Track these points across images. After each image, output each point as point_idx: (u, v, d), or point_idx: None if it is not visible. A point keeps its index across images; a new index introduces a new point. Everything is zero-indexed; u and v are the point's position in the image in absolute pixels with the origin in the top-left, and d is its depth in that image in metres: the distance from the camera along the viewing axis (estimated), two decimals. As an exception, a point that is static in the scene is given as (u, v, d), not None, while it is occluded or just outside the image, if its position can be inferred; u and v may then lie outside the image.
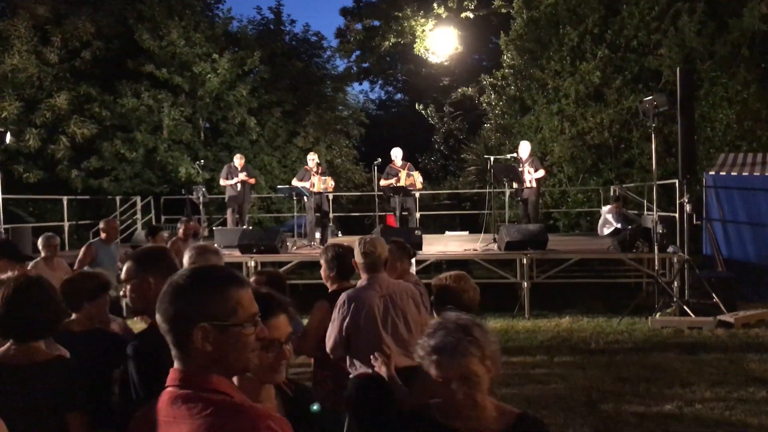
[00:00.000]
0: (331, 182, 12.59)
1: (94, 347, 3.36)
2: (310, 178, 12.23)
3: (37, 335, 2.56)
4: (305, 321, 4.28)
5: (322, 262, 4.16)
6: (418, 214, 13.17)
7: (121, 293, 2.65)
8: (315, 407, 3.32)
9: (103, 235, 8.09)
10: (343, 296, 3.78)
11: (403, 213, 12.38)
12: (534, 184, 11.94)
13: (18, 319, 2.52)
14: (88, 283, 3.71)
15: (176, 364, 1.59)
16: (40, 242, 7.29)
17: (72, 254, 9.40)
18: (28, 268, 7.09)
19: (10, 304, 2.54)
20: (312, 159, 12.51)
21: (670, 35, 15.99)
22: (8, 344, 2.55)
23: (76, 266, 7.71)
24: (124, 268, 2.65)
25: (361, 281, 3.89)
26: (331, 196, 12.75)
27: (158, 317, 1.59)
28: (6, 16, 17.72)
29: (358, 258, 3.88)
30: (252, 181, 13.35)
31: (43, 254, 7.25)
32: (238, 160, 12.98)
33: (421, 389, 3.13)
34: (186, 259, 3.46)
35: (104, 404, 3.15)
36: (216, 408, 1.47)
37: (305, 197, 12.30)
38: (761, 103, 15.68)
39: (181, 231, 8.82)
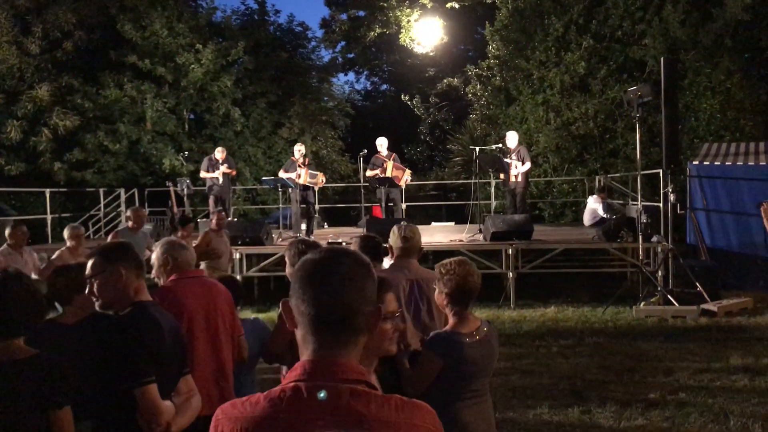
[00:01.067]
0: (321, 178, 12.53)
1: (90, 335, 3.36)
2: (296, 170, 12.15)
3: (16, 332, 2.47)
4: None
5: (286, 258, 3.80)
6: (404, 205, 13.15)
7: (87, 290, 2.68)
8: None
9: (130, 224, 8.14)
10: None
11: (389, 204, 12.35)
12: (520, 177, 11.98)
13: None
14: (80, 275, 3.68)
15: (324, 355, 1.40)
16: (66, 233, 7.41)
17: (54, 247, 9.30)
18: (54, 257, 7.33)
19: None
20: (299, 150, 12.43)
21: (655, 25, 16.06)
22: None
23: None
24: (90, 264, 2.68)
25: (391, 264, 3.96)
26: (317, 188, 12.69)
27: (322, 302, 1.39)
28: (-15, 7, 17.48)
29: (395, 242, 3.93)
30: (233, 172, 13.27)
31: (68, 244, 7.38)
32: (220, 153, 12.89)
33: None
34: (156, 254, 3.47)
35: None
36: (399, 404, 1.42)
37: (290, 188, 12.23)
38: (744, 93, 15.77)
39: (213, 222, 8.79)
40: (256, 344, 3.81)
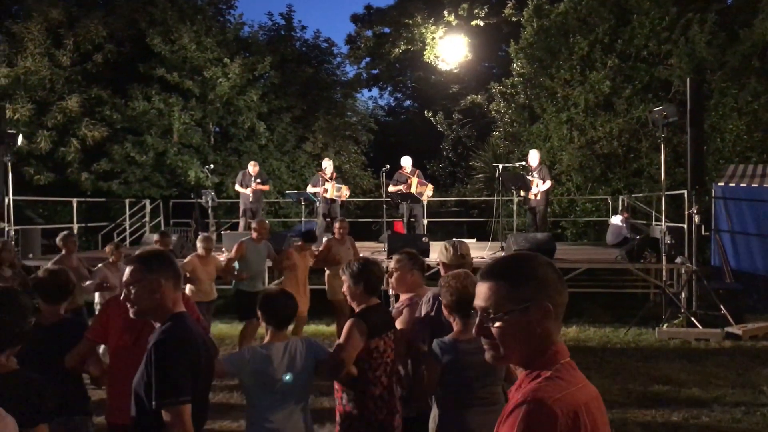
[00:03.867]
0: (346, 191, 12.66)
1: (67, 337, 3.63)
2: (323, 184, 12.33)
3: (2, 347, 2.46)
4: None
5: (346, 277, 3.71)
6: (425, 221, 13.18)
7: (122, 296, 2.60)
8: (288, 377, 3.43)
9: (254, 234, 8.31)
10: (429, 293, 3.86)
11: (411, 219, 12.40)
12: (541, 196, 11.97)
13: None
14: (71, 280, 3.88)
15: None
16: (198, 242, 8.01)
17: (80, 256, 9.43)
18: (185, 261, 7.83)
19: None
20: (327, 165, 12.64)
21: (681, 45, 15.99)
22: None
23: (225, 263, 8.20)
24: (128, 270, 2.60)
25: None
26: (340, 200, 12.82)
27: (509, 292, 1.62)
28: (20, 19, 17.87)
29: (450, 258, 4.05)
30: (266, 188, 13.53)
31: (200, 252, 7.93)
32: (252, 167, 13.26)
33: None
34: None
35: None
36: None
37: (316, 203, 12.39)
38: (771, 114, 15.62)
39: (336, 229, 8.89)
40: (310, 364, 3.52)
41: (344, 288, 3.70)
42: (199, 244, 7.96)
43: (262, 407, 3.34)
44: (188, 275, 7.67)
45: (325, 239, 9.29)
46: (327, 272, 8.83)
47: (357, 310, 3.64)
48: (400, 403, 3.76)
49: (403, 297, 4.09)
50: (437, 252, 4.37)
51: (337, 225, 8.94)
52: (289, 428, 3.35)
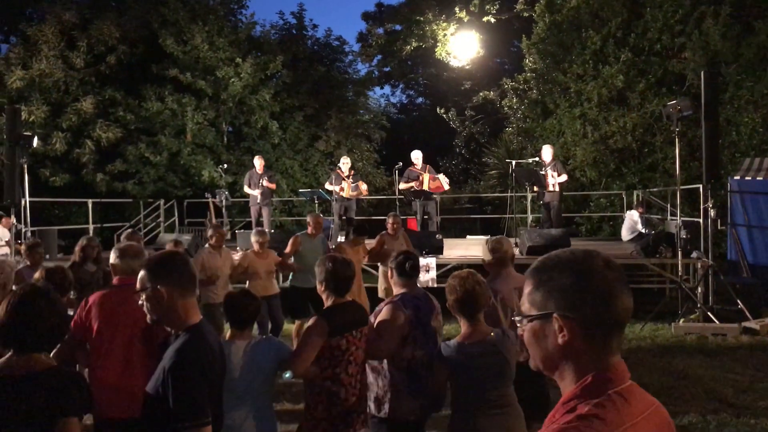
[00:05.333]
0: (363, 187, 12.63)
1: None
2: (340, 183, 12.32)
3: (38, 347, 2.46)
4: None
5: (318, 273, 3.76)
6: (438, 218, 13.15)
7: (140, 302, 2.56)
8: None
9: (309, 229, 8.38)
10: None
11: (424, 217, 12.37)
12: (557, 189, 11.90)
13: (20, 329, 2.44)
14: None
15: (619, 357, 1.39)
16: (253, 237, 7.99)
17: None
18: (241, 257, 7.93)
19: (13, 313, 2.46)
20: (344, 163, 12.61)
21: (695, 38, 15.85)
22: (9, 354, 2.46)
23: (281, 257, 8.25)
24: (139, 277, 2.56)
25: (492, 275, 4.25)
26: (360, 196, 12.81)
27: (629, 308, 1.38)
28: (34, 22, 18.02)
29: (486, 255, 4.34)
30: (272, 186, 13.42)
31: (255, 247, 7.90)
32: (258, 161, 13.10)
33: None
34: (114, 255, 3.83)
35: None
36: None
37: (333, 201, 12.38)
38: (788, 106, 15.46)
39: (390, 224, 8.88)
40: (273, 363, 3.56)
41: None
42: (253, 239, 7.94)
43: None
44: (205, 277, 7.56)
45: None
46: (380, 268, 8.78)
47: (324, 307, 3.70)
48: (374, 405, 3.77)
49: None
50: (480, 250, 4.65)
51: (390, 220, 8.91)
52: (246, 428, 3.34)
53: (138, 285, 2.55)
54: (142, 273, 2.54)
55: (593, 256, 1.42)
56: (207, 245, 7.88)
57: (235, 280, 7.94)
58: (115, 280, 3.81)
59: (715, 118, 10.10)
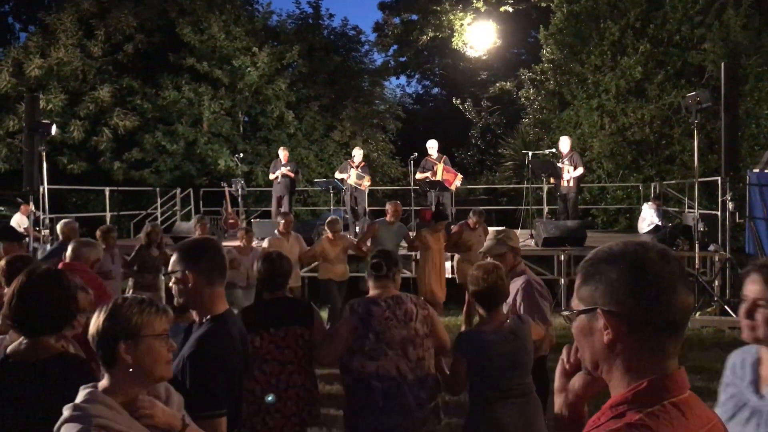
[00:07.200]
0: (367, 182, 12.64)
1: None
2: (347, 171, 12.37)
3: (46, 331, 2.41)
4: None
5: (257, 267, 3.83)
6: (453, 209, 13.12)
7: (170, 284, 2.55)
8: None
9: (388, 216, 8.54)
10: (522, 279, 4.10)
11: (440, 208, 12.35)
12: (571, 184, 11.84)
13: (27, 312, 2.40)
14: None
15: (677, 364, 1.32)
16: (326, 225, 8.28)
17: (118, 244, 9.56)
18: (316, 244, 8.34)
19: (20, 296, 2.41)
20: (356, 154, 12.68)
21: (715, 29, 15.66)
22: (20, 339, 2.41)
23: (357, 241, 8.75)
24: (171, 259, 2.56)
25: (519, 268, 4.28)
26: (367, 191, 12.83)
27: (689, 307, 1.29)
28: (53, 11, 18.13)
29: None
30: (291, 174, 13.47)
31: (329, 234, 8.19)
32: (282, 152, 13.30)
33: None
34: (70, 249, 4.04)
35: None
36: None
37: (343, 190, 12.43)
38: (809, 99, 15.25)
39: (471, 219, 8.93)
40: None
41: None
42: (326, 228, 8.20)
43: None
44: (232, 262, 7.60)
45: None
46: (456, 257, 9.07)
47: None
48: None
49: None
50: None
51: (475, 218, 8.91)
52: None
53: (170, 266, 2.55)
54: (174, 255, 2.55)
55: (646, 248, 1.31)
56: (276, 231, 8.21)
57: (306, 264, 8.16)
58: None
59: (735, 110, 10.00)
